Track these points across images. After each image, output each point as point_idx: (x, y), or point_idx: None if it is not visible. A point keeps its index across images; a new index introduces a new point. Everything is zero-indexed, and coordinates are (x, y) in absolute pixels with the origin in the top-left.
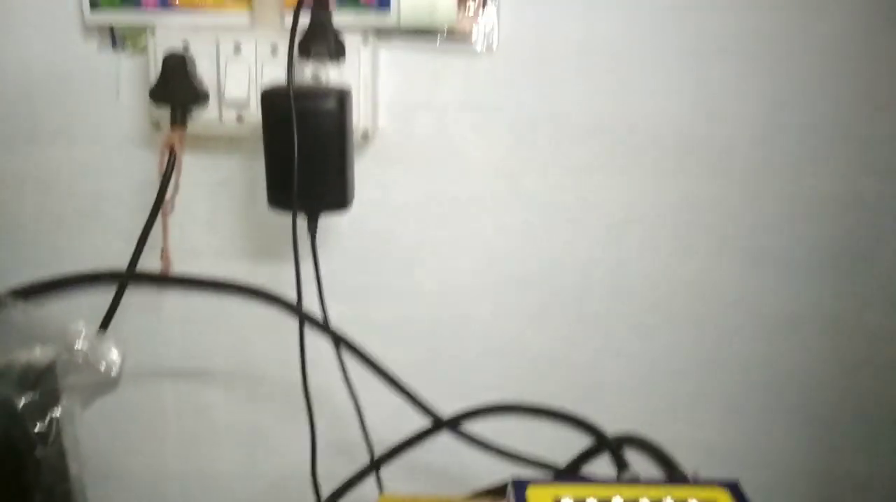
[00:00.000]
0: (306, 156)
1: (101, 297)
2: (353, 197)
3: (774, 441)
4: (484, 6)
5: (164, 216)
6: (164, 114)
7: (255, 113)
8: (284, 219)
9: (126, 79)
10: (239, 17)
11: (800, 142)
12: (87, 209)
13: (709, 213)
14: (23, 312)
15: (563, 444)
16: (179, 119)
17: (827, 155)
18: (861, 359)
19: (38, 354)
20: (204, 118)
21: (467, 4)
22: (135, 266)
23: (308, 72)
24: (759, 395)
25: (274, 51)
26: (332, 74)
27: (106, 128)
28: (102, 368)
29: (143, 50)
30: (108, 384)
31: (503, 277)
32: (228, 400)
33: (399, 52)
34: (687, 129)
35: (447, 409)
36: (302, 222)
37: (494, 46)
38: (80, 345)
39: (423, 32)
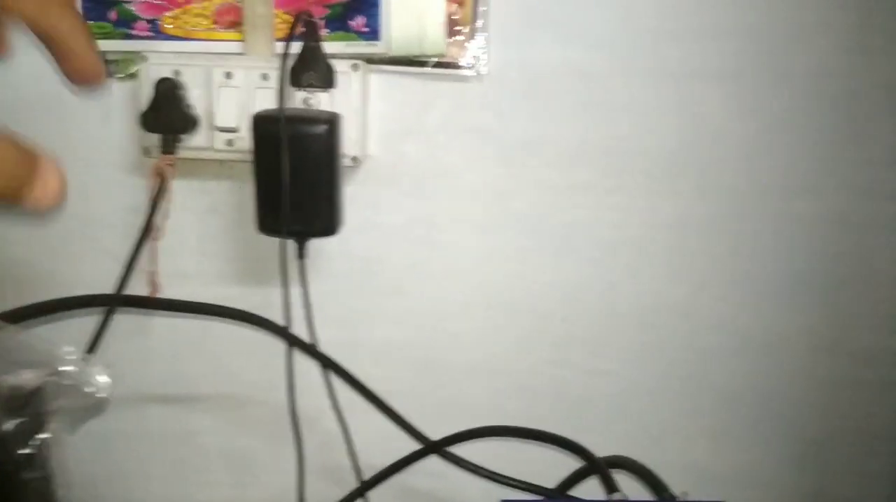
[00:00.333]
0: (296, 181)
1: (89, 321)
2: (342, 222)
3: (763, 462)
4: (473, 34)
5: (154, 241)
6: (155, 140)
7: (245, 139)
8: (274, 243)
9: (117, 105)
10: (230, 45)
11: (787, 164)
12: (76, 234)
13: (698, 235)
14: (11, 336)
15: (552, 467)
16: (170, 146)
17: (814, 177)
18: (849, 380)
19: (26, 378)
20: (194, 143)
21: (456, 32)
22: (123, 290)
23: (299, 98)
24: (748, 417)
25: (265, 78)
26: (323, 101)
27: (96, 153)
28: (90, 392)
29: (135, 77)
30: (96, 407)
31: (493, 300)
32: (216, 424)
33: (389, 78)
34: (676, 152)
35: (436, 433)
36: (291, 247)
37: (483, 72)
38: (68, 368)
39: (413, 60)
